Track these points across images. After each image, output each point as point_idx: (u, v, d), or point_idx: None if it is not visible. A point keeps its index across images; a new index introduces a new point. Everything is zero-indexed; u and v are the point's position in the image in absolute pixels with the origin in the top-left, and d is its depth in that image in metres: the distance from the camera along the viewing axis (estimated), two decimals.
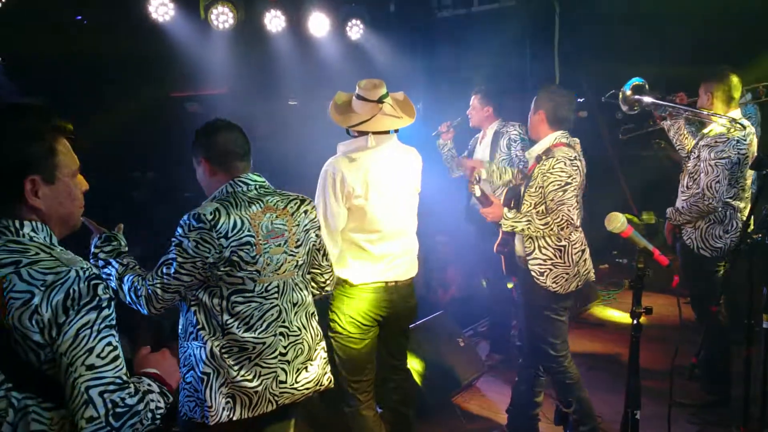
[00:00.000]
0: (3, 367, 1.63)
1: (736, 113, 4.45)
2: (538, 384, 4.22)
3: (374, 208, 3.42)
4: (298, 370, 2.86)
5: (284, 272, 2.80)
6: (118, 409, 1.67)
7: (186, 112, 9.64)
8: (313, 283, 3.07)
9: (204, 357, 2.69)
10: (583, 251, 3.93)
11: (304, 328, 2.89)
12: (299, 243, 2.85)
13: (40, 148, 1.74)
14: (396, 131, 3.54)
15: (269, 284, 2.75)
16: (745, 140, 4.35)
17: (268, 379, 2.76)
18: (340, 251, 3.51)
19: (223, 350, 2.69)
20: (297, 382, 2.85)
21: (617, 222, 2.86)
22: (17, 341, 1.62)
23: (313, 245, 2.97)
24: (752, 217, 3.95)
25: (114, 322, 1.73)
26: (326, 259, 3.09)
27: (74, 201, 1.85)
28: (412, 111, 3.54)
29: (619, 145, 7.71)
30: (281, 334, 2.79)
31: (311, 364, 2.91)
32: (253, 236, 2.67)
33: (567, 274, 3.82)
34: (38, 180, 1.74)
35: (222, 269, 2.63)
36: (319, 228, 3.00)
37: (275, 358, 2.78)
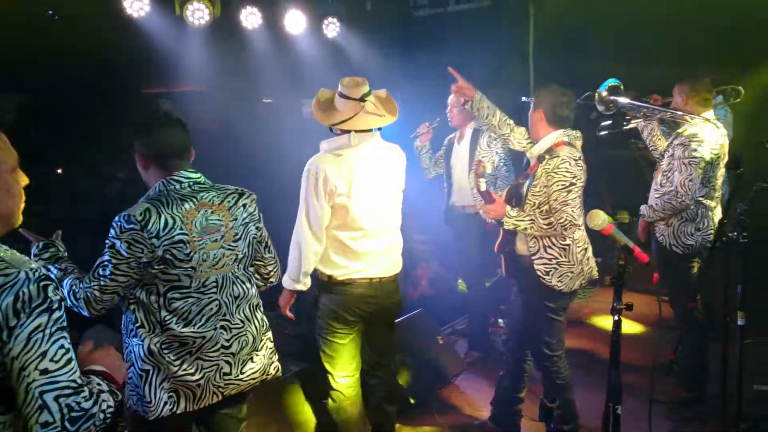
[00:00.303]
0: None
1: (709, 114, 4.53)
2: (522, 380, 4.25)
3: (357, 206, 3.43)
4: (243, 361, 2.90)
5: (222, 267, 2.82)
6: (74, 413, 1.65)
7: (159, 110, 9.56)
8: (257, 275, 3.09)
9: (142, 354, 2.72)
10: (585, 249, 3.94)
11: (248, 320, 2.93)
12: (237, 237, 2.88)
13: None
14: (379, 129, 3.53)
15: (206, 279, 2.78)
16: (717, 140, 4.43)
17: (210, 371, 2.80)
18: (324, 248, 3.51)
19: (163, 346, 2.72)
20: (242, 373, 2.90)
21: (598, 219, 2.88)
22: None
23: (254, 238, 2.99)
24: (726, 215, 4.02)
25: (65, 324, 1.70)
26: (269, 251, 3.11)
27: (14, 197, 1.80)
28: (395, 109, 3.54)
29: (595, 145, 7.77)
30: (222, 327, 2.82)
31: (257, 355, 2.96)
32: (186, 234, 2.70)
33: (572, 272, 3.84)
34: None
35: (156, 268, 2.66)
36: (259, 221, 3.01)
37: (217, 351, 2.81)
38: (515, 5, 7.55)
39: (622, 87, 4.70)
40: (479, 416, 4.79)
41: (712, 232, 4.52)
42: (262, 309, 3.05)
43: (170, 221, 2.67)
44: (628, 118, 4.97)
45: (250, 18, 6.49)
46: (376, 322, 3.69)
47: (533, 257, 3.85)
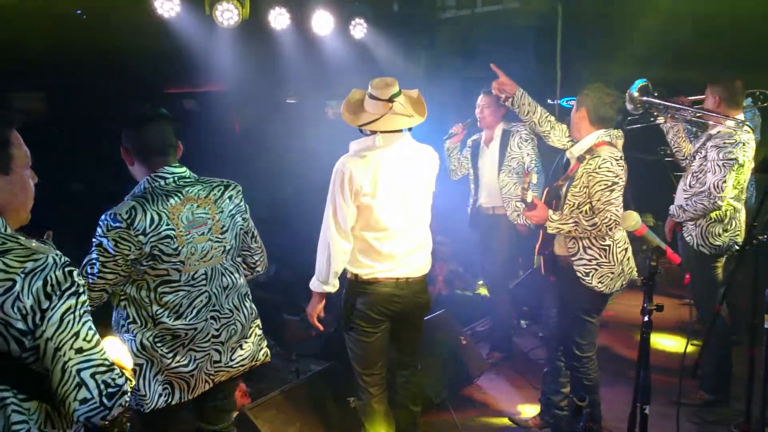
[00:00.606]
0: None
1: (740, 117, 4.53)
2: (560, 376, 4.28)
3: (382, 206, 3.43)
4: (232, 349, 3.01)
5: (211, 259, 2.90)
6: (110, 389, 1.73)
7: (182, 110, 9.65)
8: (244, 265, 3.17)
9: (135, 349, 2.77)
10: (626, 250, 3.93)
11: (237, 309, 3.02)
12: (225, 229, 2.95)
13: None
14: (409, 130, 3.52)
15: (196, 272, 2.85)
16: (750, 143, 4.43)
17: (202, 361, 2.89)
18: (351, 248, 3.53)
19: (155, 339, 2.79)
20: (232, 360, 3.01)
21: (632, 220, 2.90)
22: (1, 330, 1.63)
23: (241, 229, 3.06)
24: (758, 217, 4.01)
25: (89, 308, 1.78)
26: (255, 241, 3.18)
27: (27, 193, 1.86)
28: (424, 109, 3.52)
29: (623, 148, 7.77)
30: (212, 318, 2.91)
31: (246, 342, 3.07)
32: (173, 229, 2.76)
33: (612, 273, 3.84)
34: None
35: (144, 264, 2.72)
36: (245, 211, 3.08)
37: (208, 341, 2.90)
38: (543, 7, 7.55)
39: (650, 86, 4.71)
40: (500, 417, 4.82)
41: (740, 233, 4.54)
42: (250, 297, 3.14)
43: (156, 217, 2.73)
44: (655, 115, 4.95)
45: (279, 18, 6.53)
46: (403, 321, 3.69)
47: (572, 258, 3.85)
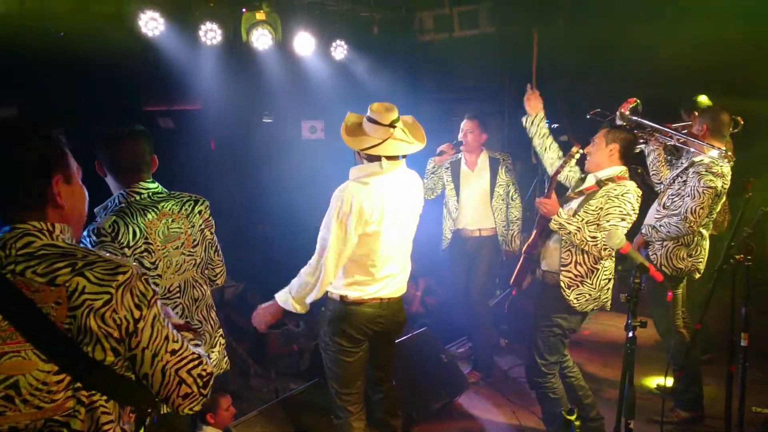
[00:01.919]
0: (71, 368, 1.67)
1: (723, 149, 4.66)
2: (574, 389, 4.31)
3: (385, 233, 3.42)
4: None
5: (184, 272, 2.99)
6: (204, 379, 1.86)
7: (158, 128, 9.63)
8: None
9: None
10: (609, 280, 4.05)
11: (205, 320, 3.13)
12: (196, 243, 3.05)
13: (57, 150, 1.80)
14: (404, 156, 3.51)
15: (171, 285, 2.94)
16: (728, 175, 4.56)
17: None
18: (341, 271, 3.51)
19: None
20: None
21: (617, 238, 2.99)
22: (98, 340, 1.67)
23: (209, 243, 3.16)
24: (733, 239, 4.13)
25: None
26: (218, 255, 3.26)
27: (85, 201, 1.91)
28: (422, 136, 3.51)
29: None
30: None
31: (212, 352, 3.16)
32: (151, 243, 2.84)
33: (590, 294, 3.96)
34: (60, 179, 1.78)
35: None
36: (212, 226, 3.17)
37: None
38: (519, 32, 7.68)
39: (640, 107, 4.85)
40: None
41: (702, 260, 4.69)
42: (215, 309, 3.25)
43: (137, 231, 2.80)
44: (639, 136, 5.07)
45: (261, 39, 6.57)
46: (380, 339, 3.72)
47: (562, 268, 3.96)
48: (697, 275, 4.73)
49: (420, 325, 5.60)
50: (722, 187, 4.53)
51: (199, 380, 1.85)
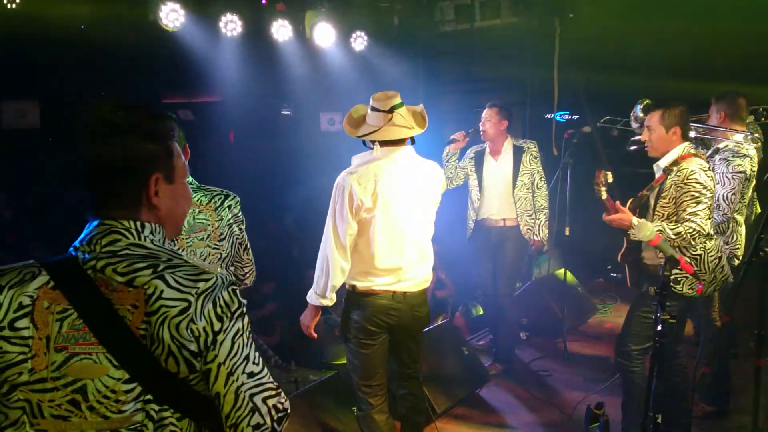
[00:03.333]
0: (143, 378, 1.56)
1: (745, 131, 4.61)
2: (679, 384, 4.09)
3: (382, 220, 3.40)
4: None
5: (209, 265, 2.89)
6: (279, 414, 1.68)
7: (178, 120, 9.66)
8: (234, 276, 3.24)
9: None
10: (719, 258, 3.93)
11: None
12: (222, 237, 3.01)
13: (163, 147, 1.67)
14: (413, 142, 3.51)
15: None
16: (755, 157, 4.51)
17: None
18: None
19: None
20: None
21: (647, 230, 2.95)
22: (171, 352, 1.55)
23: (236, 239, 3.11)
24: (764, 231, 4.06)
25: (251, 328, 1.71)
26: (247, 254, 3.22)
27: (188, 201, 1.81)
28: (424, 121, 3.51)
29: (616, 162, 7.86)
30: None
31: None
32: None
33: (703, 280, 3.84)
34: (161, 178, 1.67)
35: None
36: (242, 223, 3.13)
37: None
38: (541, 21, 7.63)
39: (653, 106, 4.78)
40: (503, 429, 4.84)
41: (740, 246, 4.60)
42: None
43: None
44: None
45: (281, 30, 6.57)
46: (400, 333, 3.68)
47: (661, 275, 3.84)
48: (737, 262, 4.64)
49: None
50: (751, 170, 4.48)
51: (274, 412, 1.66)
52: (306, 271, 3.58)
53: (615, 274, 8.09)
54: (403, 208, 3.46)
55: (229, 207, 3.05)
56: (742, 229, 4.67)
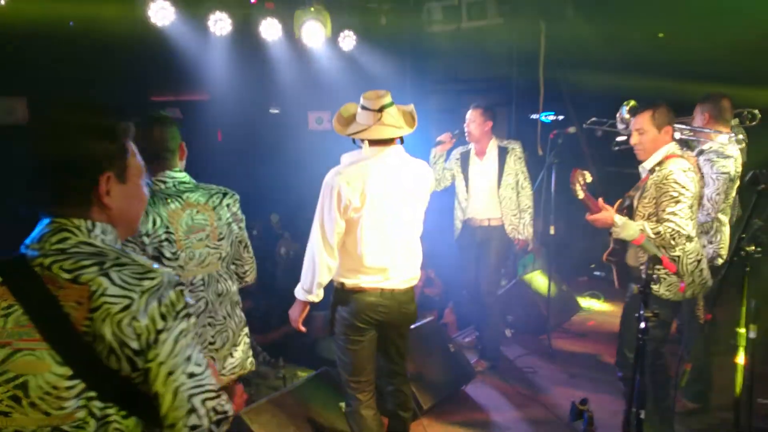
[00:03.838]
0: (86, 375, 1.54)
1: (729, 134, 4.68)
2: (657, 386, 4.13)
3: (370, 218, 3.42)
4: (224, 357, 3.02)
5: (208, 265, 2.93)
6: (218, 416, 1.66)
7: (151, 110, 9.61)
8: (234, 274, 3.21)
9: None
10: (699, 261, 3.95)
11: (229, 317, 3.05)
12: (222, 236, 2.98)
13: (115, 146, 1.67)
14: (402, 142, 3.53)
15: (194, 278, 2.88)
16: (738, 158, 4.58)
17: None
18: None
19: None
20: (224, 368, 3.02)
21: (630, 230, 3.00)
22: (112, 349, 1.53)
23: (236, 238, 3.10)
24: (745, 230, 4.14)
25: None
26: (247, 251, 3.21)
27: (142, 202, 1.81)
28: (412, 121, 3.53)
29: (601, 162, 7.95)
30: (209, 324, 2.94)
31: (235, 350, 3.09)
32: (172, 233, 2.79)
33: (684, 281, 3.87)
34: (112, 177, 1.66)
35: None
36: (241, 221, 3.12)
37: (204, 348, 2.89)
38: (527, 23, 7.69)
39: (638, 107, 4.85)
40: (488, 425, 4.90)
41: (723, 246, 4.68)
42: (240, 305, 3.17)
43: (158, 220, 2.76)
44: None
45: (270, 29, 6.59)
46: (388, 330, 3.71)
47: (641, 267, 3.82)
48: (720, 261, 4.71)
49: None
50: (735, 171, 4.56)
51: (212, 414, 1.63)
52: (293, 270, 3.59)
53: (599, 273, 8.19)
54: (392, 207, 3.48)
55: (227, 206, 3.02)
56: (726, 229, 4.75)
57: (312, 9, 6.54)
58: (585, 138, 7.77)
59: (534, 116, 7.92)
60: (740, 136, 4.65)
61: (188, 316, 1.63)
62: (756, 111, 4.97)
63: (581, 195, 3.76)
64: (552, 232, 6.32)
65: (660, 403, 4.09)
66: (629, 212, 3.92)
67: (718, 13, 6.23)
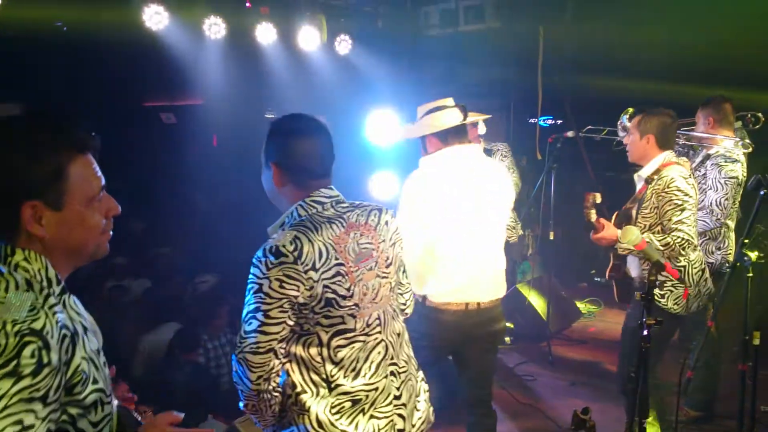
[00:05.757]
0: None
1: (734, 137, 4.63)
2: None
3: (445, 226, 3.28)
4: (411, 411, 2.43)
5: (381, 300, 2.35)
6: None
7: (160, 123, 9.57)
8: None
9: (310, 428, 2.19)
10: (703, 270, 3.89)
11: (408, 360, 2.46)
12: (389, 262, 2.39)
13: (42, 171, 1.47)
14: (480, 142, 3.45)
15: (370, 317, 2.29)
16: (744, 163, 4.53)
17: (384, 430, 2.30)
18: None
19: (332, 410, 2.20)
20: (413, 426, 2.44)
21: (632, 235, 2.93)
22: None
23: (400, 262, 2.54)
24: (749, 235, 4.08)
25: (41, 394, 1.35)
26: (406, 277, 2.66)
27: (89, 229, 1.57)
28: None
29: (599, 167, 7.90)
30: (392, 373, 2.35)
31: (419, 401, 2.50)
32: (342, 264, 2.20)
33: (689, 294, 3.79)
34: (40, 206, 1.48)
35: (318, 311, 2.16)
36: (401, 240, 2.52)
37: (390, 404, 2.33)
38: (525, 27, 7.64)
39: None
40: None
41: (731, 252, 4.61)
42: (411, 345, 2.57)
43: (324, 250, 2.16)
44: None
45: (265, 33, 6.53)
46: (470, 350, 3.51)
47: (644, 272, 3.75)
48: (728, 267, 4.64)
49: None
50: (743, 175, 4.51)
51: None
52: None
53: (599, 279, 8.12)
54: (468, 213, 3.32)
55: (386, 223, 2.43)
56: (733, 235, 4.70)
57: (308, 13, 6.49)
58: (584, 142, 7.72)
59: (532, 120, 7.87)
60: (746, 141, 4.59)
61: (15, 376, 1.32)
62: (759, 114, 4.92)
63: (594, 218, 3.66)
64: (551, 237, 6.26)
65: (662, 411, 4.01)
66: (627, 225, 3.84)
67: (720, 15, 6.18)
